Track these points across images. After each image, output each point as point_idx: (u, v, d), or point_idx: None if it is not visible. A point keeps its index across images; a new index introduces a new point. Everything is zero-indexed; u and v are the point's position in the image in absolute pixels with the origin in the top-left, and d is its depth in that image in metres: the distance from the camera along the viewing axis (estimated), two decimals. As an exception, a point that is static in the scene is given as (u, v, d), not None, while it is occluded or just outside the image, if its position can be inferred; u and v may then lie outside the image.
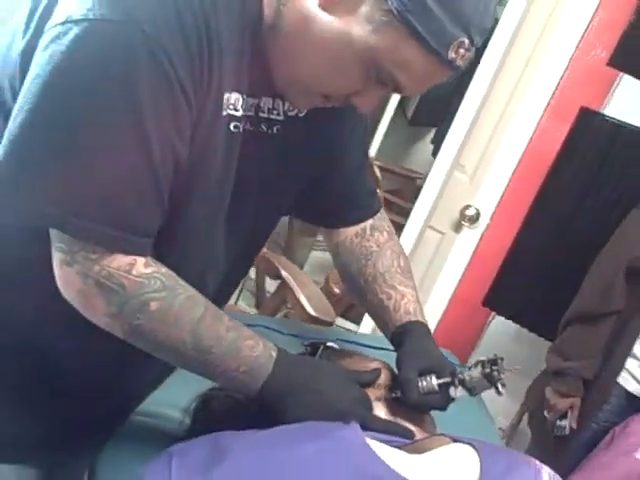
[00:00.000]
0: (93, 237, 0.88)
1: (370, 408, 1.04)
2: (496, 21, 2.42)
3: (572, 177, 2.49)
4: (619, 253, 2.13)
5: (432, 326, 1.22)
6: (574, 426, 2.20)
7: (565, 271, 2.38)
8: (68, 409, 1.08)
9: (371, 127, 3.95)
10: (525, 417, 2.62)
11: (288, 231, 3.76)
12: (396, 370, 1.12)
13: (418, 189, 2.81)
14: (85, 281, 0.90)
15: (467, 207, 2.62)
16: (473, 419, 1.39)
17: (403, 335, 1.15)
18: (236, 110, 0.94)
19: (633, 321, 2.11)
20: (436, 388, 1.06)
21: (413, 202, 2.72)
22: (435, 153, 4.09)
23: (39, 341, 1.02)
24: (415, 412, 1.08)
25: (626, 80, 2.44)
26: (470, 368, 1.08)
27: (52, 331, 1.02)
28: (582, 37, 2.44)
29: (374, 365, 1.11)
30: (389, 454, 0.93)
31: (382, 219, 1.29)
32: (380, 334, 1.27)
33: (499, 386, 1.06)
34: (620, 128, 2.42)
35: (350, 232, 1.26)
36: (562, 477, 0.97)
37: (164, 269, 0.94)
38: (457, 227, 2.67)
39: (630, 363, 2.12)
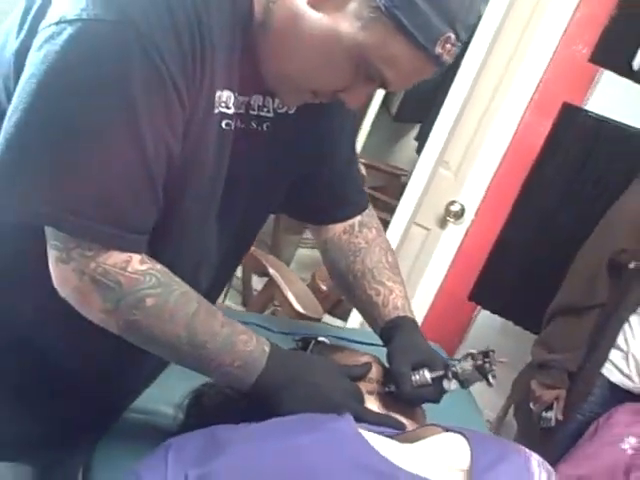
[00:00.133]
0: (89, 234, 0.88)
1: (362, 401, 1.05)
2: (479, 18, 2.44)
3: (555, 172, 2.52)
4: (601, 246, 2.16)
5: (419, 321, 1.23)
6: (560, 417, 2.23)
7: (549, 265, 2.40)
8: (65, 407, 1.08)
9: (355, 124, 3.96)
10: (511, 409, 2.64)
11: (274, 229, 3.77)
12: (386, 364, 1.13)
13: (402, 186, 2.82)
14: (81, 278, 0.90)
15: (452, 203, 2.64)
16: (462, 411, 1.41)
17: (392, 330, 1.17)
18: (228, 108, 0.95)
19: (616, 313, 2.13)
20: (429, 381, 1.08)
21: (398, 199, 2.73)
22: (419, 150, 4.10)
23: (38, 340, 1.03)
24: (407, 405, 1.09)
25: (607, 76, 2.47)
26: (461, 361, 1.10)
27: (51, 329, 1.02)
28: (564, 34, 2.46)
29: (365, 359, 1.12)
30: (382, 444, 0.94)
31: (370, 216, 1.30)
32: (369, 329, 1.29)
33: (490, 378, 1.08)
34: (602, 123, 2.44)
35: (339, 229, 1.27)
36: (548, 468, 0.98)
37: (159, 266, 0.95)
38: (442, 223, 2.68)
39: (614, 354, 2.15)
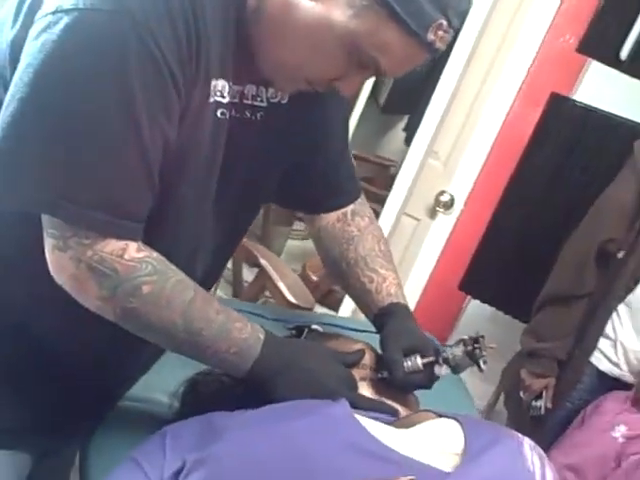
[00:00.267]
0: (85, 222, 0.89)
1: (356, 387, 1.06)
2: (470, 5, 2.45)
3: (544, 162, 2.53)
4: (590, 236, 2.17)
5: (410, 311, 1.25)
6: (549, 406, 2.25)
7: (538, 254, 2.42)
8: (62, 394, 1.09)
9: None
10: (501, 398, 2.66)
11: (263, 221, 3.77)
12: (379, 351, 1.14)
13: (391, 177, 2.83)
14: (78, 266, 0.91)
15: (441, 193, 2.65)
16: (454, 399, 1.42)
17: (386, 317, 1.18)
18: (223, 97, 0.96)
19: (604, 302, 2.15)
20: (421, 367, 1.09)
21: (386, 189, 2.74)
22: (408, 141, 4.12)
23: (34, 327, 1.03)
24: (400, 391, 1.10)
25: (595, 66, 2.49)
26: (452, 347, 1.11)
27: (47, 316, 1.03)
28: (551, 24, 2.47)
29: (358, 346, 1.13)
30: (377, 428, 0.95)
31: (363, 204, 1.31)
32: (361, 317, 1.29)
33: (481, 363, 1.09)
34: (590, 113, 2.46)
35: (332, 217, 1.28)
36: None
37: (155, 254, 0.95)
38: (432, 213, 2.69)
39: (602, 343, 2.17)
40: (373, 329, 1.22)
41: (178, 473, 0.90)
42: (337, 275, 1.30)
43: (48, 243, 0.91)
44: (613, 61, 2.44)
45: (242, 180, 1.09)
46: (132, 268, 0.92)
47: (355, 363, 1.10)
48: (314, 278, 2.80)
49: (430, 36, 0.90)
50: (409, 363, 1.09)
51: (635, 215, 2.10)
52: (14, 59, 0.88)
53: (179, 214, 1.00)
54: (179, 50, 0.87)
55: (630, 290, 2.11)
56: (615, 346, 2.16)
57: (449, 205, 2.66)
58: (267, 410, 0.96)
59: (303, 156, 1.18)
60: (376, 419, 0.99)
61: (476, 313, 2.79)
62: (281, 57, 0.95)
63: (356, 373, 1.09)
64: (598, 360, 2.19)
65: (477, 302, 2.77)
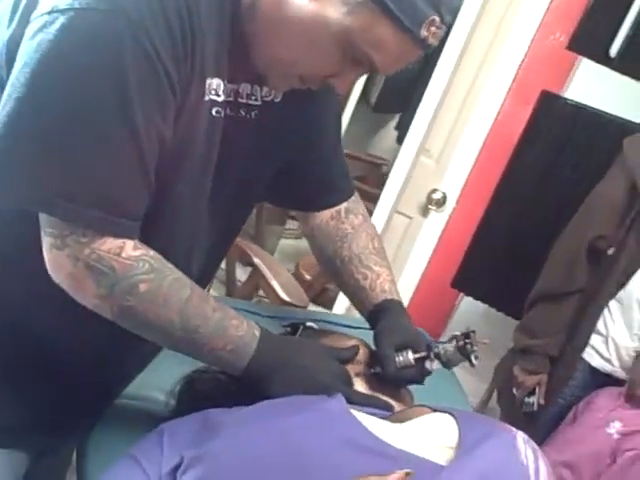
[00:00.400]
0: (83, 220, 0.89)
1: (350, 383, 1.07)
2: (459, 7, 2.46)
3: (535, 159, 2.55)
4: (580, 233, 2.18)
5: (403, 308, 1.26)
6: (542, 402, 2.26)
7: (530, 252, 2.43)
8: (60, 392, 1.09)
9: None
10: (494, 395, 2.68)
11: (256, 220, 3.77)
12: (373, 347, 1.15)
13: (383, 175, 2.84)
14: (75, 264, 0.91)
15: (434, 191, 2.66)
16: (447, 395, 1.43)
17: (380, 313, 1.19)
18: (218, 95, 0.97)
19: (595, 299, 2.16)
20: (412, 362, 1.10)
21: (379, 188, 2.75)
22: (399, 139, 4.12)
23: (32, 325, 1.04)
24: (393, 386, 1.11)
25: (585, 64, 2.50)
26: (444, 342, 1.12)
27: (45, 314, 1.03)
28: (542, 22, 2.48)
29: (352, 343, 1.14)
30: (372, 423, 0.96)
31: (356, 202, 1.32)
32: (355, 315, 1.30)
33: (472, 358, 1.10)
34: (580, 110, 2.48)
35: (326, 215, 1.29)
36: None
37: (152, 252, 0.96)
38: (424, 211, 2.70)
39: (594, 339, 2.18)
40: (367, 326, 1.23)
41: (176, 469, 0.90)
42: (331, 273, 1.31)
43: (45, 241, 0.92)
44: (603, 58, 2.46)
45: (237, 178, 1.09)
46: (129, 266, 0.93)
47: (349, 359, 1.10)
48: (307, 277, 2.81)
49: (423, 32, 0.91)
50: (401, 358, 1.10)
51: (625, 212, 2.11)
52: (10, 59, 0.89)
53: (175, 212, 1.01)
54: (174, 49, 0.88)
55: (621, 286, 2.12)
56: (607, 342, 2.17)
57: (441, 203, 2.67)
58: (263, 406, 0.97)
59: (297, 154, 1.19)
60: (371, 414, 1.00)
61: (469, 310, 2.80)
62: (276, 54, 0.96)
63: (351, 369, 1.10)
64: (590, 356, 2.20)
65: (470, 299, 2.79)
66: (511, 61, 2.53)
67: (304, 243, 1.37)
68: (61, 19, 0.83)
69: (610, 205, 2.15)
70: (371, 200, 2.71)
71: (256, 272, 2.32)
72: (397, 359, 1.10)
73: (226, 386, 1.09)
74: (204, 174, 1.02)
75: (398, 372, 1.10)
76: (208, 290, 2.81)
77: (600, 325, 2.17)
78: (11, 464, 1.11)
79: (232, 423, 0.94)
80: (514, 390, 2.30)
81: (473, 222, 2.67)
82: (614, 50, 2.43)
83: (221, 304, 1.02)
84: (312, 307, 3.20)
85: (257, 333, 1.03)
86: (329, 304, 2.84)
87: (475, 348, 1.10)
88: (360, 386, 1.09)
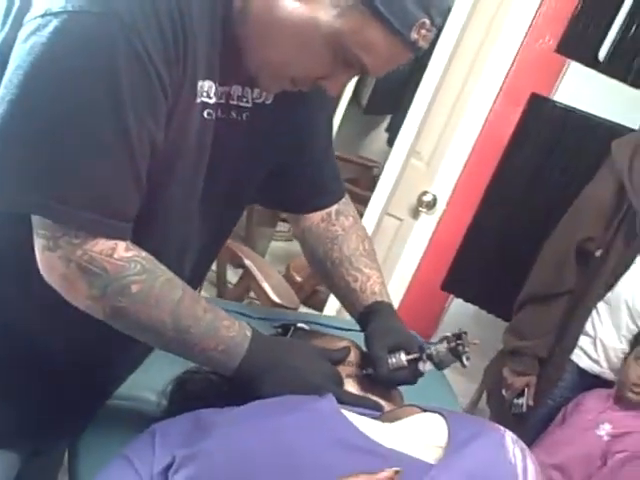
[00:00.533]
0: (75, 222, 0.90)
1: (341, 384, 1.08)
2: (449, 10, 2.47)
3: (524, 161, 2.57)
4: (569, 235, 2.20)
5: (393, 310, 1.27)
6: (531, 403, 2.27)
7: (519, 254, 2.45)
8: (51, 393, 1.10)
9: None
10: (484, 396, 2.69)
11: (247, 222, 3.78)
12: (364, 349, 1.16)
13: (374, 177, 2.84)
14: (68, 265, 0.92)
15: (424, 193, 2.66)
16: (437, 396, 1.44)
17: (370, 315, 1.20)
18: (209, 97, 0.97)
19: (584, 300, 2.18)
20: (405, 364, 1.11)
21: (369, 190, 2.75)
22: (390, 141, 4.14)
23: (24, 325, 1.04)
24: (385, 387, 1.12)
25: (574, 67, 2.52)
26: (436, 344, 1.13)
27: (37, 315, 1.03)
28: (531, 25, 2.49)
29: (343, 344, 1.15)
30: (363, 422, 0.97)
31: (347, 204, 1.33)
32: (345, 317, 1.31)
33: (464, 359, 1.11)
34: (569, 113, 2.50)
35: (316, 217, 1.30)
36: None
37: (144, 253, 0.97)
38: (415, 213, 2.70)
39: (582, 340, 2.19)
40: (357, 327, 1.23)
41: (168, 469, 0.91)
42: (322, 274, 1.31)
43: (38, 243, 0.92)
44: (592, 62, 2.48)
45: (228, 180, 1.10)
46: (121, 267, 0.93)
47: (341, 360, 1.11)
48: (298, 279, 2.82)
49: (413, 35, 0.91)
50: (393, 360, 1.11)
51: (613, 214, 2.13)
52: (3, 62, 0.89)
53: (167, 214, 1.02)
54: (166, 51, 0.88)
55: (609, 288, 2.13)
56: (595, 343, 2.18)
57: (431, 205, 2.67)
58: (255, 406, 0.98)
59: (288, 156, 1.19)
60: (362, 414, 1.01)
61: (459, 312, 2.81)
62: (267, 56, 0.96)
63: (342, 370, 1.10)
64: (578, 357, 2.21)
65: (460, 301, 2.80)
66: (501, 64, 2.54)
67: (295, 245, 1.38)
68: (54, 22, 0.84)
69: (598, 207, 2.16)
70: (362, 202, 2.72)
71: (247, 274, 2.32)
72: (390, 361, 1.11)
73: (217, 387, 1.09)
74: (196, 176, 1.02)
75: (391, 374, 1.10)
76: (199, 292, 2.82)
77: (588, 326, 2.18)
78: (3, 465, 1.12)
79: (224, 423, 0.94)
80: (503, 391, 2.31)
81: (463, 224, 2.68)
82: (602, 53, 2.46)
83: (212, 305, 1.03)
84: (303, 309, 3.20)
85: (248, 334, 1.03)
86: (320, 306, 2.84)
87: (467, 349, 1.11)
88: (351, 387, 1.10)
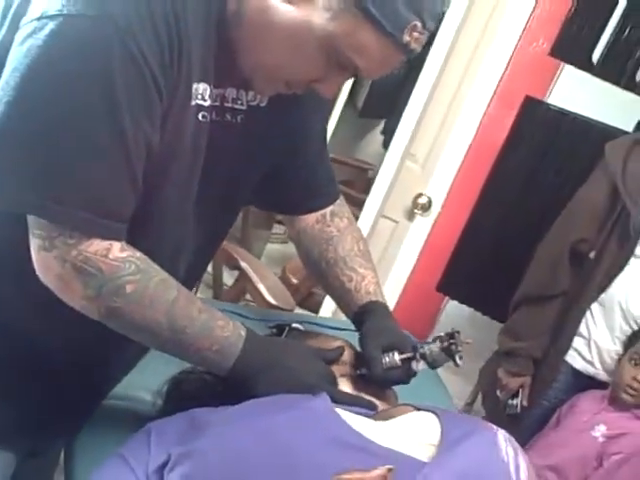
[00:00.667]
0: (71, 222, 0.91)
1: (335, 383, 1.09)
2: (442, 14, 2.49)
3: (519, 164, 2.58)
4: (563, 236, 2.21)
5: (389, 312, 1.27)
6: (525, 404, 2.28)
7: (514, 255, 2.46)
8: (47, 393, 1.10)
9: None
10: (479, 397, 2.69)
11: (243, 224, 3.78)
12: (358, 348, 1.17)
13: (370, 180, 2.85)
14: (63, 265, 0.93)
15: (419, 195, 2.67)
16: (433, 398, 1.44)
17: (365, 315, 1.21)
18: (204, 100, 0.98)
19: (578, 301, 2.19)
20: (399, 363, 1.11)
21: (365, 192, 2.76)
22: (385, 144, 4.15)
23: (20, 325, 1.04)
24: (379, 387, 1.13)
25: (567, 70, 2.53)
26: (429, 343, 1.14)
27: (32, 314, 1.04)
28: (525, 29, 2.51)
29: (337, 344, 1.16)
30: (356, 421, 0.98)
31: (341, 205, 1.33)
32: (341, 318, 1.31)
33: (457, 358, 1.12)
34: (563, 116, 2.51)
35: (311, 219, 1.30)
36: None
37: (138, 253, 0.97)
38: (410, 215, 2.71)
39: (577, 341, 2.20)
40: (352, 327, 1.24)
41: (163, 467, 0.92)
42: (317, 275, 1.32)
43: (34, 243, 0.93)
44: (585, 65, 2.50)
45: (223, 182, 1.11)
46: (116, 267, 0.94)
47: (335, 360, 1.12)
48: (294, 281, 2.82)
49: (405, 37, 0.92)
50: (387, 359, 1.11)
51: (606, 216, 2.14)
52: (0, 64, 0.90)
53: (162, 215, 1.02)
54: (161, 54, 0.89)
55: (603, 290, 2.14)
56: (589, 345, 2.19)
57: (427, 207, 2.68)
58: (249, 405, 0.99)
59: (283, 159, 1.20)
60: (356, 413, 1.02)
61: (454, 313, 2.82)
62: (261, 59, 0.97)
63: (336, 370, 1.11)
64: (573, 358, 2.22)
65: (455, 303, 2.81)
66: (495, 67, 2.55)
67: (291, 248, 1.39)
68: (50, 25, 0.85)
69: (592, 209, 2.17)
70: (357, 205, 2.73)
71: (243, 276, 2.33)
72: (383, 360, 1.11)
73: (212, 387, 1.10)
74: (190, 178, 1.03)
75: (385, 373, 1.11)
76: (195, 293, 2.82)
77: (582, 328, 2.19)
78: (-1, 464, 1.12)
79: (218, 422, 0.95)
80: (498, 392, 2.32)
81: (458, 226, 2.70)
82: (596, 56, 2.48)
83: (207, 305, 1.04)
84: (298, 311, 3.21)
85: (243, 334, 1.04)
86: (315, 308, 2.84)
87: (460, 348, 1.12)
88: (345, 386, 1.11)
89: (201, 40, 0.95)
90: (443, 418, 1.01)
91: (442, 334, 1.14)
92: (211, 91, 0.99)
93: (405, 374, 1.13)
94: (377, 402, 1.09)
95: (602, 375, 2.20)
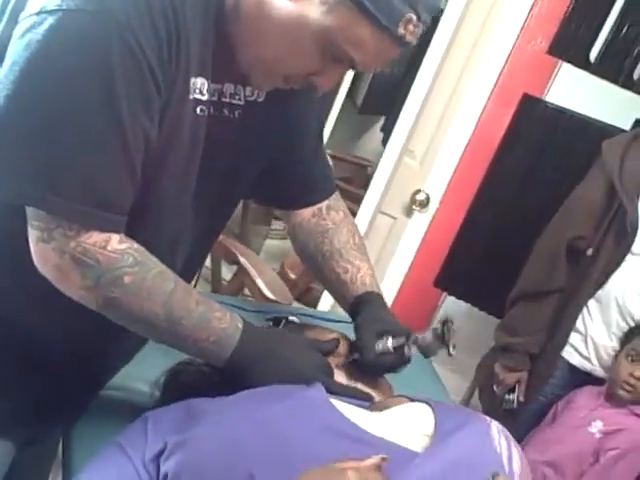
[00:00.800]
0: (70, 214, 0.92)
1: (332, 374, 1.10)
2: (440, 12, 2.50)
3: (516, 161, 2.59)
4: (560, 233, 2.22)
5: (386, 307, 1.28)
6: (522, 399, 2.29)
7: (511, 251, 2.47)
8: (46, 384, 1.11)
9: (323, 113, 3.98)
10: (476, 393, 2.70)
11: (242, 219, 3.79)
12: (354, 339, 1.18)
13: (369, 177, 2.86)
14: (62, 257, 0.94)
15: (417, 192, 2.68)
16: (429, 393, 1.45)
17: (360, 305, 1.22)
18: (202, 94, 0.99)
19: (575, 298, 2.20)
20: (391, 349, 1.12)
21: (364, 189, 2.76)
22: (385, 141, 4.15)
23: (19, 316, 1.05)
24: (372, 374, 1.14)
25: (565, 68, 2.54)
26: (423, 333, 1.15)
27: (31, 305, 1.05)
28: (523, 27, 2.51)
29: (333, 336, 1.17)
30: (351, 411, 0.99)
31: (337, 199, 1.34)
32: (339, 312, 1.32)
33: (450, 347, 1.13)
34: (561, 114, 2.53)
35: (307, 213, 1.31)
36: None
37: (136, 245, 0.98)
38: (408, 212, 2.72)
39: (573, 337, 2.22)
40: (347, 320, 1.25)
41: (159, 455, 0.93)
42: (313, 268, 1.33)
43: (32, 235, 0.94)
44: (583, 63, 2.51)
45: (221, 176, 1.12)
46: (114, 259, 0.95)
47: (331, 351, 1.13)
48: (292, 276, 2.83)
49: (400, 30, 0.93)
50: (380, 345, 1.12)
51: (603, 213, 2.15)
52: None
53: (160, 207, 1.03)
54: (159, 48, 0.90)
55: (600, 286, 2.15)
56: (586, 341, 2.20)
57: (425, 204, 2.69)
58: (245, 395, 1.00)
59: (280, 153, 1.21)
60: (351, 404, 1.03)
61: (452, 309, 2.83)
62: (259, 54, 0.98)
63: (331, 361, 1.12)
64: (570, 354, 2.23)
65: (453, 298, 2.82)
66: (493, 65, 2.56)
67: (289, 244, 1.40)
68: (49, 20, 0.86)
69: (589, 207, 2.18)
70: (356, 201, 2.74)
71: (241, 270, 2.34)
72: (376, 346, 1.12)
73: (210, 378, 1.11)
74: (188, 170, 1.04)
75: (377, 358, 1.12)
76: (194, 288, 2.82)
77: (579, 324, 2.20)
78: (-2, 453, 1.13)
79: (214, 411, 0.96)
80: (495, 387, 2.33)
81: (456, 222, 2.71)
82: (594, 55, 2.48)
83: (205, 297, 1.05)
84: (296, 305, 3.22)
85: (240, 325, 1.05)
86: (313, 303, 2.85)
87: (453, 336, 1.13)
88: (341, 377, 1.12)
89: (199, 35, 0.95)
90: (437, 409, 1.02)
91: (436, 326, 1.15)
92: (209, 86, 1.00)
93: (398, 360, 1.13)
94: (373, 393, 1.10)
95: (599, 371, 2.22)
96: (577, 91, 2.54)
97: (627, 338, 2.14)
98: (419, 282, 2.80)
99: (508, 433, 1.03)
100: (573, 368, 2.24)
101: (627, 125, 2.49)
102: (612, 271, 2.14)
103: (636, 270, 2.12)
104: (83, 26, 0.86)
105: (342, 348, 1.15)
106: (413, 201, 2.69)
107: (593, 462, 2.08)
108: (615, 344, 2.17)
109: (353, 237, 1.31)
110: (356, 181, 4.06)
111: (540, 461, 2.10)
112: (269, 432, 0.92)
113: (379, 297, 1.24)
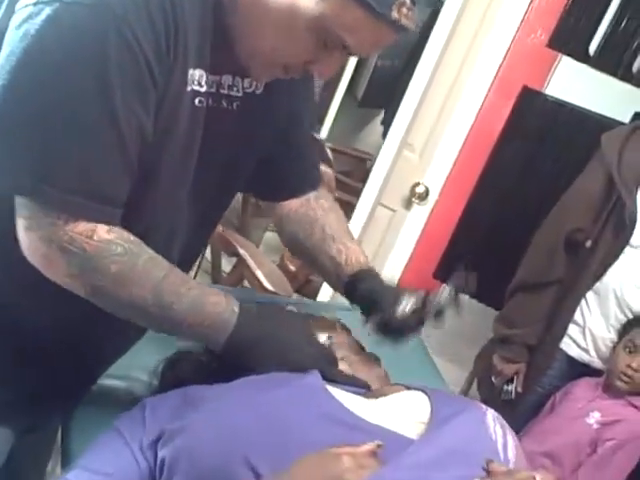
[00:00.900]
0: (62, 205, 0.92)
1: (331, 361, 1.10)
2: (441, 3, 2.50)
3: (516, 154, 2.60)
4: (559, 225, 2.23)
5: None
6: (520, 390, 2.31)
7: (510, 243, 2.47)
8: (40, 375, 1.11)
9: (321, 109, 3.99)
10: (475, 384, 2.71)
11: (242, 212, 3.79)
12: (351, 330, 1.19)
13: (368, 170, 2.86)
14: (49, 245, 0.94)
15: (417, 184, 2.68)
16: (427, 383, 1.46)
17: (358, 281, 1.22)
18: (200, 86, 0.99)
19: (573, 290, 2.21)
20: (414, 308, 1.15)
21: (364, 182, 2.77)
22: (385, 135, 4.15)
23: (11, 305, 1.06)
24: (399, 336, 1.17)
25: (565, 61, 2.54)
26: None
27: (22, 295, 1.05)
28: (523, 20, 2.52)
29: (331, 323, 1.18)
30: (347, 398, 1.00)
31: (322, 188, 1.35)
32: (338, 302, 1.33)
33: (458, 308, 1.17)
34: (560, 107, 2.53)
35: (294, 204, 1.31)
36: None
37: (132, 237, 0.98)
38: (407, 204, 2.72)
39: (572, 329, 2.22)
40: (345, 308, 1.26)
41: (156, 441, 0.94)
42: (305, 256, 1.33)
43: (20, 224, 0.94)
44: (582, 56, 2.51)
45: (219, 167, 1.12)
46: (100, 249, 0.95)
47: (330, 327, 1.14)
48: (292, 268, 2.83)
49: (394, 14, 0.93)
50: (405, 304, 1.14)
51: (602, 206, 2.15)
52: None
53: (157, 199, 1.03)
54: (157, 42, 0.90)
55: (598, 278, 2.16)
56: (584, 332, 2.21)
57: (424, 196, 2.69)
58: (242, 382, 1.00)
59: (276, 145, 1.21)
60: (347, 390, 1.04)
61: (450, 301, 2.83)
62: (257, 45, 0.98)
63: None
64: (568, 346, 2.24)
65: (451, 290, 2.82)
66: (493, 58, 2.55)
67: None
68: (46, 10, 0.86)
69: (587, 199, 2.19)
70: (356, 194, 2.74)
71: (241, 262, 2.34)
72: (400, 307, 1.14)
73: (208, 367, 1.11)
74: (186, 162, 1.04)
75: (403, 319, 1.14)
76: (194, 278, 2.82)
77: (577, 316, 2.21)
78: (-3, 440, 1.14)
79: (212, 398, 0.97)
80: (493, 378, 2.34)
81: (455, 215, 2.71)
82: (593, 48, 2.48)
83: (201, 284, 1.05)
84: (297, 298, 3.23)
85: (236, 309, 1.05)
86: (313, 295, 2.86)
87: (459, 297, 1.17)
88: (339, 366, 1.12)
89: (197, 27, 0.96)
90: (433, 397, 1.03)
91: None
92: (207, 77, 1.00)
93: (419, 320, 1.15)
94: (370, 381, 1.11)
95: (597, 363, 2.23)
96: (576, 84, 2.54)
97: (625, 330, 2.14)
98: (418, 274, 2.80)
99: (504, 421, 1.04)
100: (571, 359, 2.25)
101: (626, 118, 2.49)
102: (610, 263, 2.14)
103: (634, 262, 2.12)
104: (80, 19, 0.86)
105: (339, 337, 1.16)
106: (412, 194, 2.70)
107: (591, 453, 2.09)
108: (613, 336, 2.18)
109: (342, 223, 1.31)
110: (356, 174, 4.06)
111: (538, 452, 2.11)
112: (266, 419, 0.93)
113: (375, 272, 1.25)
